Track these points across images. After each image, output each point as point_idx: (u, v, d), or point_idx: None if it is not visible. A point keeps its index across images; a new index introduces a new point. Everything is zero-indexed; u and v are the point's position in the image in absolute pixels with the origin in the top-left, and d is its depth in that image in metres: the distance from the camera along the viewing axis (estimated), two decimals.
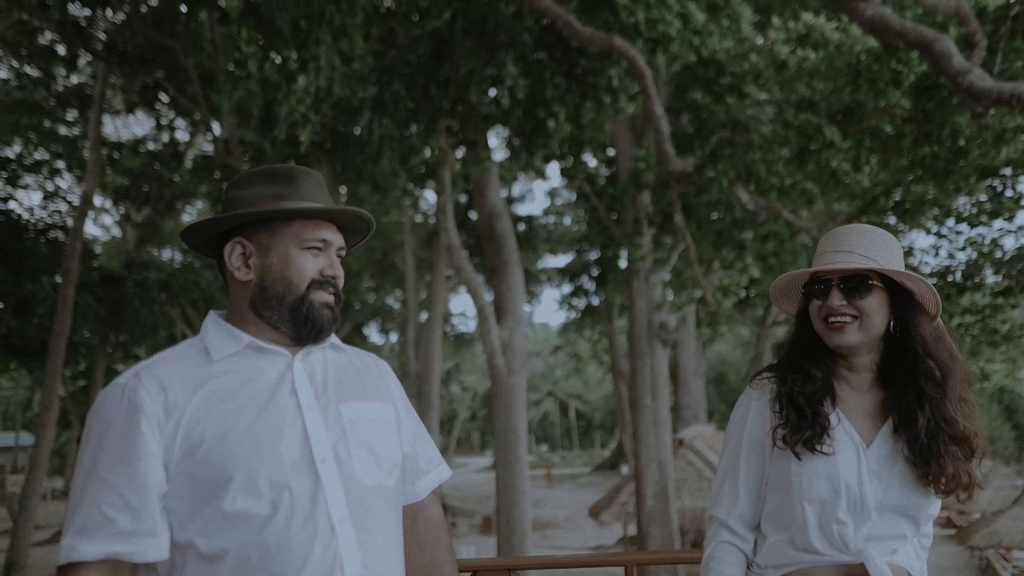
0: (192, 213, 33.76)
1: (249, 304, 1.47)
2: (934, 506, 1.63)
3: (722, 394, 37.09)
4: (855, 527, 1.57)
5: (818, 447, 1.59)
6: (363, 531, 1.36)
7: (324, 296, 1.48)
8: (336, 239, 1.51)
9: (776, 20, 10.19)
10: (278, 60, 7.19)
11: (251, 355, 1.44)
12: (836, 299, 1.62)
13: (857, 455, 1.61)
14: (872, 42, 8.46)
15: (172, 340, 28.49)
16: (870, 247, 1.65)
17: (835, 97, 8.71)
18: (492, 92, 10.73)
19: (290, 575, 1.27)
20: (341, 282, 1.51)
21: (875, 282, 1.63)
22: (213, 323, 1.50)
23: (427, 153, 11.74)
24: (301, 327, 1.46)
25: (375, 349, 36.35)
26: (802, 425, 1.61)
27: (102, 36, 16.77)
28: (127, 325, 23.91)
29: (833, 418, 1.63)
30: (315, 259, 1.48)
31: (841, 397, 1.68)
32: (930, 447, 1.57)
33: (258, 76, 6.77)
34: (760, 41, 11.20)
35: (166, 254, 31.21)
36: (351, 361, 1.59)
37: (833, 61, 8.93)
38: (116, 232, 28.69)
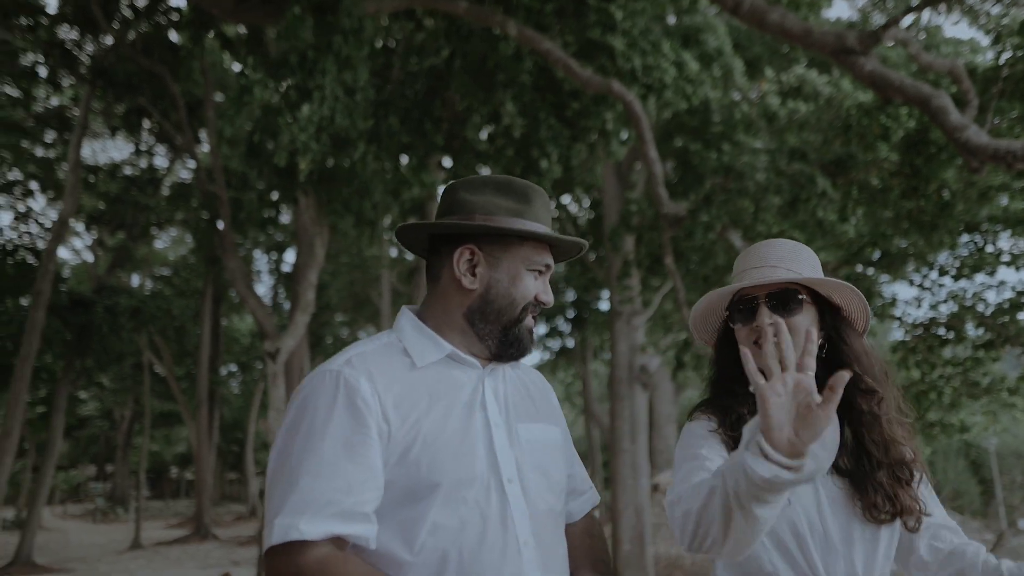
0: (167, 240, 33.32)
1: (464, 312, 1.45)
2: (892, 539, 1.48)
3: None
4: (824, 565, 1.41)
5: None
6: (543, 554, 1.35)
7: (531, 321, 1.48)
8: (552, 264, 1.50)
9: (769, 72, 10.44)
10: (282, 88, 7.20)
11: (450, 364, 1.43)
12: (765, 317, 1.48)
13: (814, 485, 1.46)
14: (862, 96, 8.69)
15: (138, 368, 27.78)
16: (793, 260, 1.54)
17: (825, 148, 8.90)
18: (486, 130, 10.80)
19: None
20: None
21: (804, 296, 1.51)
22: (412, 326, 1.47)
23: (416, 188, 11.76)
24: (508, 346, 1.46)
25: None
26: None
27: (86, 59, 16.68)
28: (93, 351, 23.40)
29: None
30: (535, 282, 1.47)
31: None
32: (858, 472, 1.46)
33: (260, 102, 6.77)
34: (753, 93, 11.47)
35: (135, 280, 30.68)
36: (521, 379, 1.57)
37: (823, 114, 9.15)
38: (86, 256, 28.15)
